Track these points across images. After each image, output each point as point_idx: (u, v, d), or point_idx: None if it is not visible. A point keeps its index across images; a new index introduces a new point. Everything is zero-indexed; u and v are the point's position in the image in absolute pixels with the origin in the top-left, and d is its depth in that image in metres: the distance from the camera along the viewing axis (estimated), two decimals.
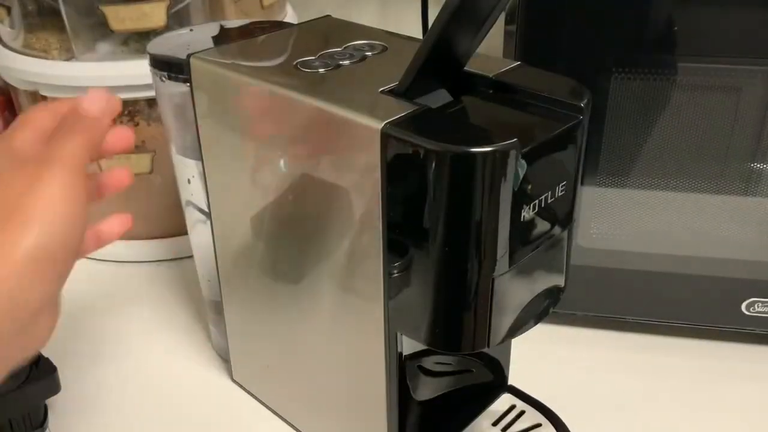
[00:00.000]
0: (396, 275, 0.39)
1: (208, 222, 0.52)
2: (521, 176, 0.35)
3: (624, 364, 0.61)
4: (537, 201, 0.37)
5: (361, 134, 0.37)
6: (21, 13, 0.71)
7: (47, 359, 0.55)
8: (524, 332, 0.42)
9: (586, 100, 0.39)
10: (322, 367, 0.49)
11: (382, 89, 0.40)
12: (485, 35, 0.39)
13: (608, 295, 0.61)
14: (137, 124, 0.70)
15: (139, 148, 0.71)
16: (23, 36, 0.71)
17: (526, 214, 0.37)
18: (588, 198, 0.58)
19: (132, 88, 0.68)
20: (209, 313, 0.62)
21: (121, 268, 0.76)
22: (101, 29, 0.68)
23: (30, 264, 0.31)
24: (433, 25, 0.37)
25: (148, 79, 0.54)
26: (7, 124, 0.85)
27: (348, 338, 0.46)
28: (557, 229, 0.41)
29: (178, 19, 0.69)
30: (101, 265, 0.76)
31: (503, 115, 0.40)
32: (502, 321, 0.40)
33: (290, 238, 0.46)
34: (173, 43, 0.53)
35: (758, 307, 0.59)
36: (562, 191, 0.39)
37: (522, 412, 0.53)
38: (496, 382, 0.55)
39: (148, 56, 0.52)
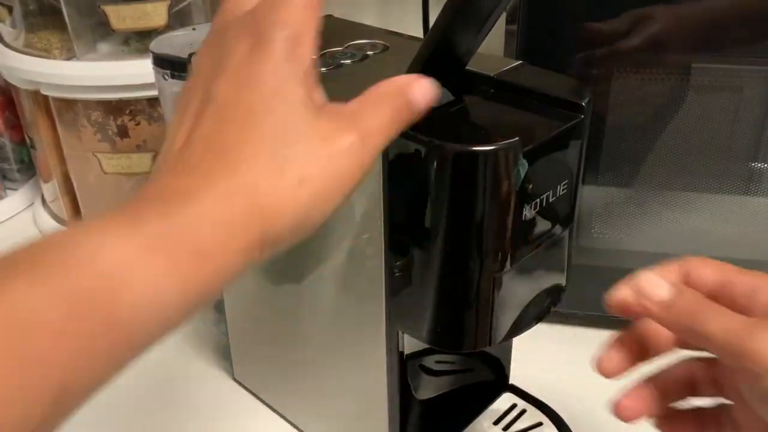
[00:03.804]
0: (397, 274, 0.39)
1: None
2: (522, 175, 0.35)
3: None
4: (538, 200, 0.37)
5: None
6: (22, 13, 0.71)
7: None
8: (525, 331, 0.42)
9: (587, 99, 0.39)
10: (324, 366, 0.49)
11: None
12: (487, 34, 0.39)
13: None
14: (138, 124, 0.70)
15: (140, 147, 0.71)
16: (24, 35, 0.71)
17: (528, 213, 0.37)
18: (589, 197, 0.58)
19: (133, 87, 0.68)
20: (210, 312, 0.62)
21: None
22: (102, 29, 0.68)
23: None
24: (434, 24, 0.37)
25: (149, 79, 0.54)
26: (7, 124, 0.85)
27: (349, 337, 0.46)
28: (558, 229, 0.41)
29: (179, 18, 0.69)
30: None
31: (504, 114, 0.40)
32: (504, 320, 0.40)
33: None
34: (176, 42, 0.54)
35: None
36: (563, 190, 0.39)
37: (523, 411, 0.53)
38: (497, 381, 0.55)
39: (151, 55, 0.52)
